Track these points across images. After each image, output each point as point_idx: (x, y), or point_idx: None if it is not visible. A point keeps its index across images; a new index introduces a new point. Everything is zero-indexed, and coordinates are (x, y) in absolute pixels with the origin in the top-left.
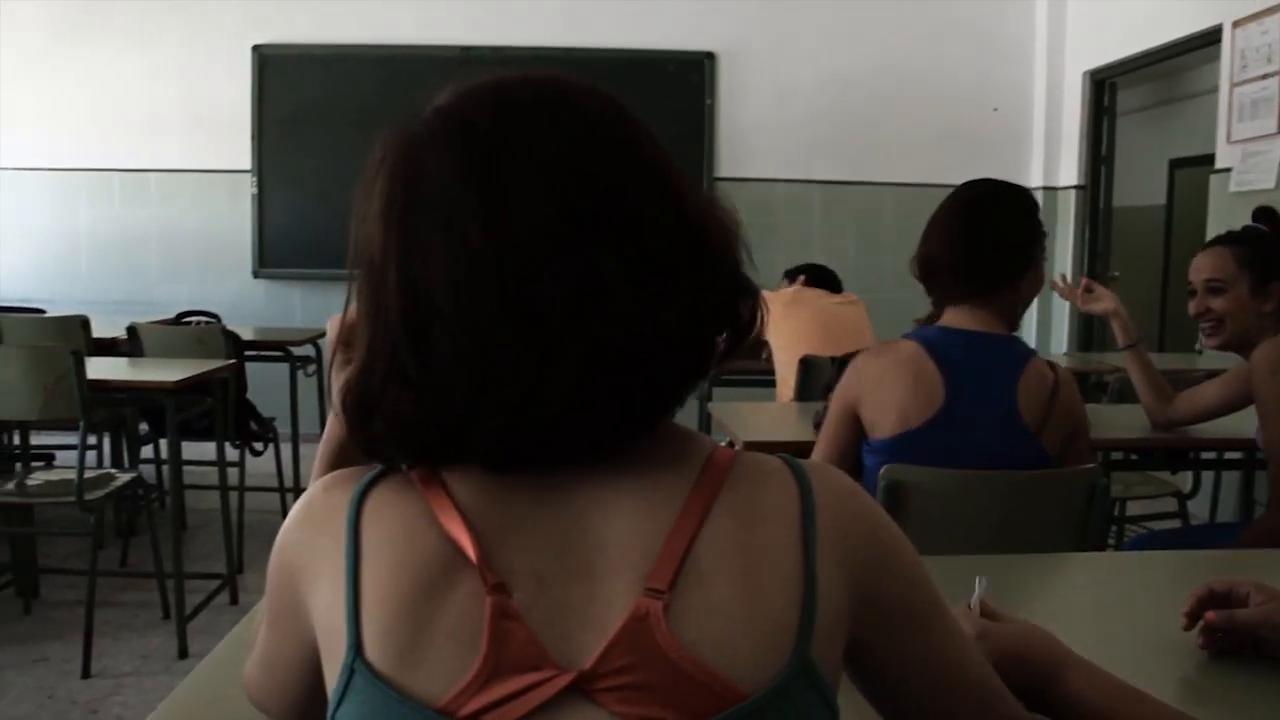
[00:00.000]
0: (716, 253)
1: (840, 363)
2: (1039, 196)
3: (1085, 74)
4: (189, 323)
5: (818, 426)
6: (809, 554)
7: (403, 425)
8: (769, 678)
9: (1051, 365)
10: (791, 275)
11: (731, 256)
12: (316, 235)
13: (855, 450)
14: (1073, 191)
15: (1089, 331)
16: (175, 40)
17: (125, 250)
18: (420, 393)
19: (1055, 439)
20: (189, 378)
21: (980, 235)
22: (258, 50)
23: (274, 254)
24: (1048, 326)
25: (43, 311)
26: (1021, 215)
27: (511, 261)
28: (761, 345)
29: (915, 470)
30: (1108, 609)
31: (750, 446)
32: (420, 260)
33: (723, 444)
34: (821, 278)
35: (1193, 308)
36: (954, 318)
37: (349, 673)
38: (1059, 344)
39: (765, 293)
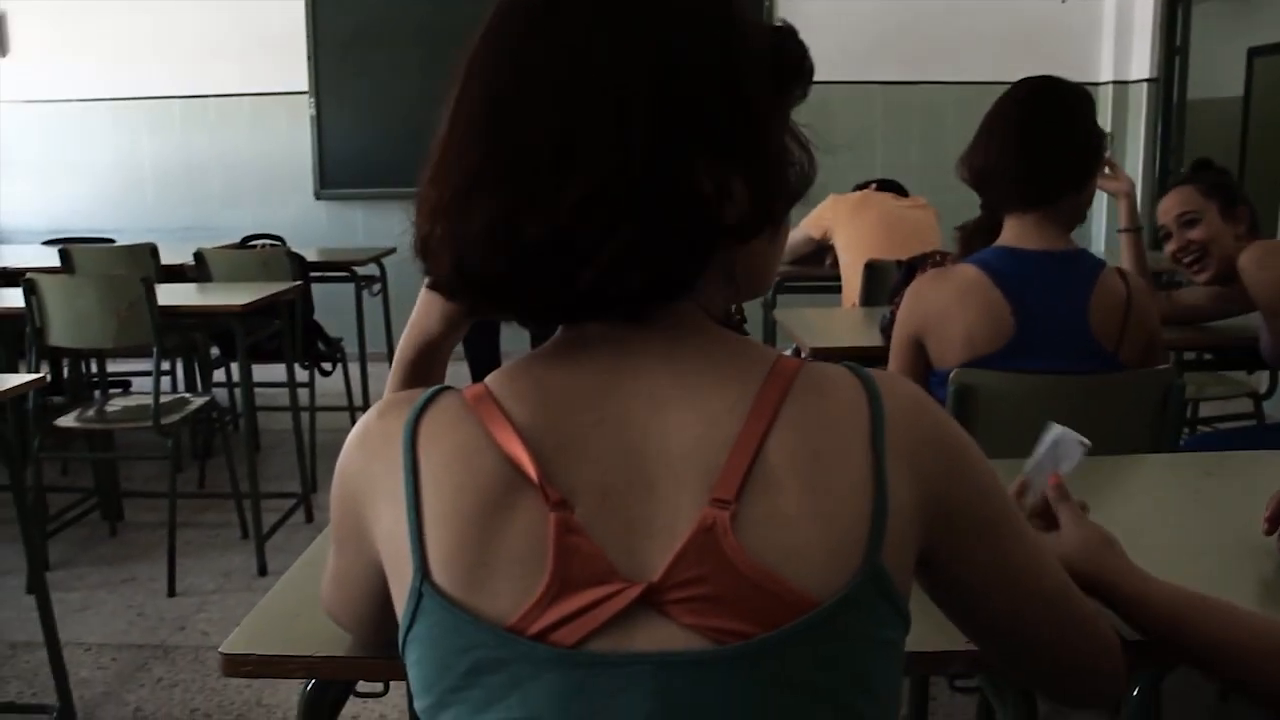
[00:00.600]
0: (759, 132)
1: (908, 267)
2: (1109, 90)
3: None
4: (254, 246)
5: (884, 332)
6: (879, 462)
7: (462, 244)
8: (840, 585)
9: (1123, 274)
10: (861, 187)
11: (776, 142)
12: (377, 155)
13: (926, 378)
14: (1145, 85)
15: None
16: None
17: (188, 177)
18: (470, 207)
19: (1133, 352)
20: (256, 301)
21: (1045, 143)
22: None
23: (335, 175)
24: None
25: (112, 241)
26: (1085, 118)
27: (559, 90)
28: (827, 250)
29: (986, 375)
30: (1183, 511)
31: (817, 353)
32: (491, 73)
33: (787, 352)
34: (890, 185)
35: (1171, 247)
36: (1016, 234)
37: (417, 596)
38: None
39: (831, 196)
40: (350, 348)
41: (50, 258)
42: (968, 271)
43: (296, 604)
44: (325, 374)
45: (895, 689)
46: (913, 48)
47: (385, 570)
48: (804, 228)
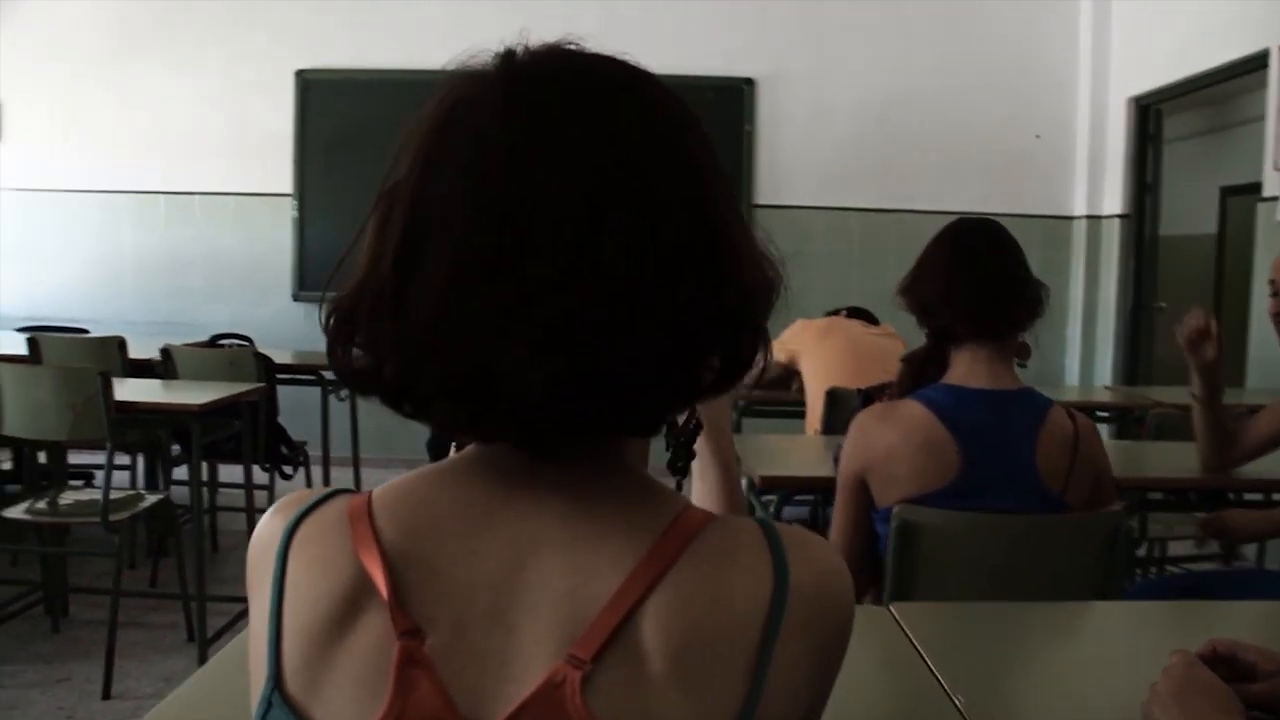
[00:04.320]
0: (730, 275)
1: (865, 395)
2: (1083, 225)
3: (1130, 100)
4: (223, 345)
5: (836, 462)
6: (765, 649)
7: (376, 346)
8: None
9: (1070, 414)
10: (832, 314)
11: (749, 288)
12: (356, 260)
13: (869, 515)
14: (1117, 220)
15: (1134, 363)
16: (219, 65)
17: (168, 271)
18: (398, 318)
19: (1079, 493)
20: (215, 400)
21: (999, 279)
22: (300, 75)
23: (314, 277)
24: (1091, 355)
25: (86, 331)
26: (1024, 258)
27: (518, 209)
28: (793, 375)
29: (930, 512)
30: (1103, 663)
31: (765, 481)
32: (434, 177)
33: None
34: (859, 314)
35: (1272, 307)
36: (964, 369)
37: (267, 704)
38: (1103, 375)
39: (800, 321)
40: (315, 450)
41: (20, 345)
42: (912, 409)
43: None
44: (286, 477)
45: None
46: (891, 176)
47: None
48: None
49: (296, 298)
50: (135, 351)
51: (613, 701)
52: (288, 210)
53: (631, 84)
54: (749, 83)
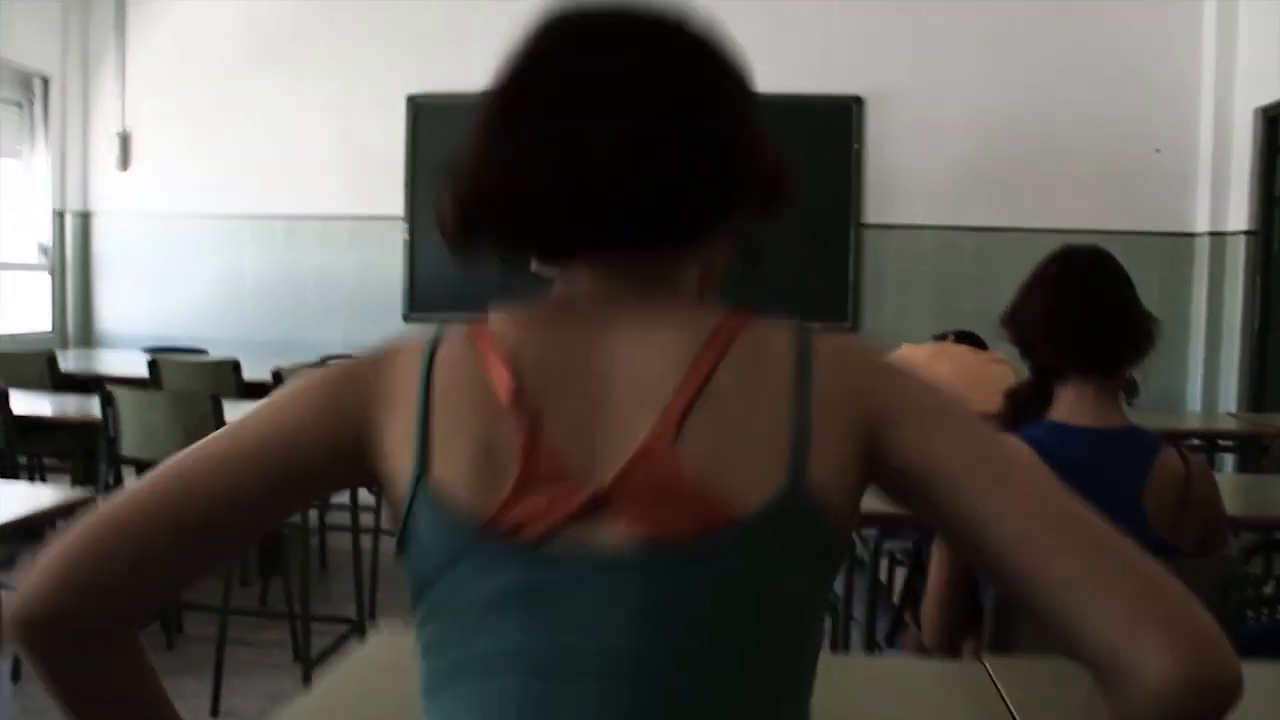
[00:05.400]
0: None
1: None
2: (1205, 242)
3: (1256, 110)
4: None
5: None
6: (803, 394)
7: (492, 199)
8: (761, 501)
9: (1182, 454)
10: (940, 338)
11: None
12: (464, 280)
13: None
14: (1242, 237)
15: (1260, 389)
16: (334, 90)
17: (284, 293)
18: (504, 170)
19: (1190, 537)
20: None
21: (1102, 314)
22: (411, 100)
23: (424, 298)
24: (1215, 380)
25: (205, 353)
26: (1133, 288)
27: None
28: None
29: None
30: None
31: (866, 519)
32: (520, 75)
33: None
34: (968, 338)
35: None
36: (1067, 407)
37: (412, 496)
38: (1226, 401)
39: (906, 346)
40: None
41: (143, 366)
42: None
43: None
44: None
45: (820, 606)
46: (1003, 193)
47: (379, 473)
48: None
49: (407, 318)
50: (250, 373)
51: (699, 456)
52: (398, 232)
53: (684, 23)
54: (857, 100)
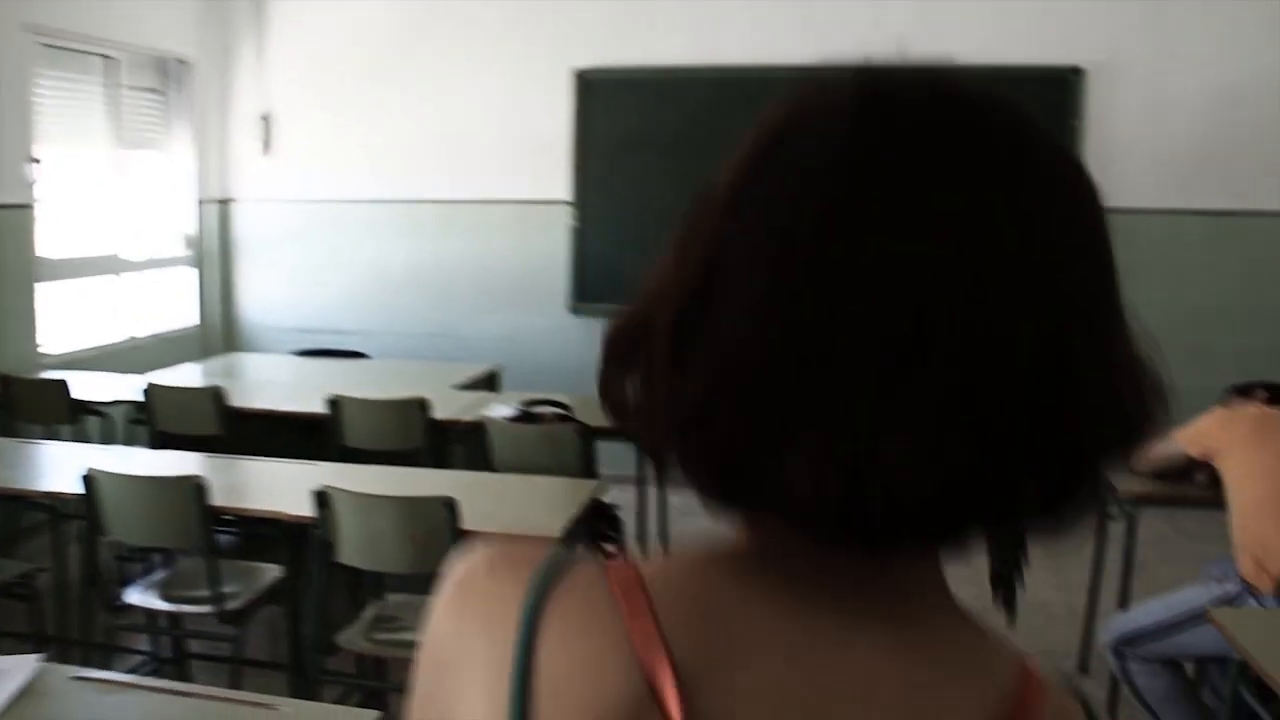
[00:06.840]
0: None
1: None
2: None
3: None
4: (538, 414)
5: None
6: None
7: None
8: None
9: None
10: (1242, 390)
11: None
12: (637, 269)
13: None
14: None
15: None
16: (492, 67)
17: (438, 282)
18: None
19: None
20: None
21: None
22: (580, 75)
23: (594, 288)
24: None
25: (364, 356)
26: None
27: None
28: (1199, 466)
29: None
30: None
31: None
32: (746, 207)
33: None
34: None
35: None
36: None
37: None
38: None
39: (1220, 411)
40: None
41: (297, 369)
42: None
43: None
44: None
45: None
46: (1242, 174)
47: None
48: (1178, 440)
49: (574, 310)
50: (425, 387)
51: None
52: (562, 217)
53: (1019, 134)
54: (1076, 72)
